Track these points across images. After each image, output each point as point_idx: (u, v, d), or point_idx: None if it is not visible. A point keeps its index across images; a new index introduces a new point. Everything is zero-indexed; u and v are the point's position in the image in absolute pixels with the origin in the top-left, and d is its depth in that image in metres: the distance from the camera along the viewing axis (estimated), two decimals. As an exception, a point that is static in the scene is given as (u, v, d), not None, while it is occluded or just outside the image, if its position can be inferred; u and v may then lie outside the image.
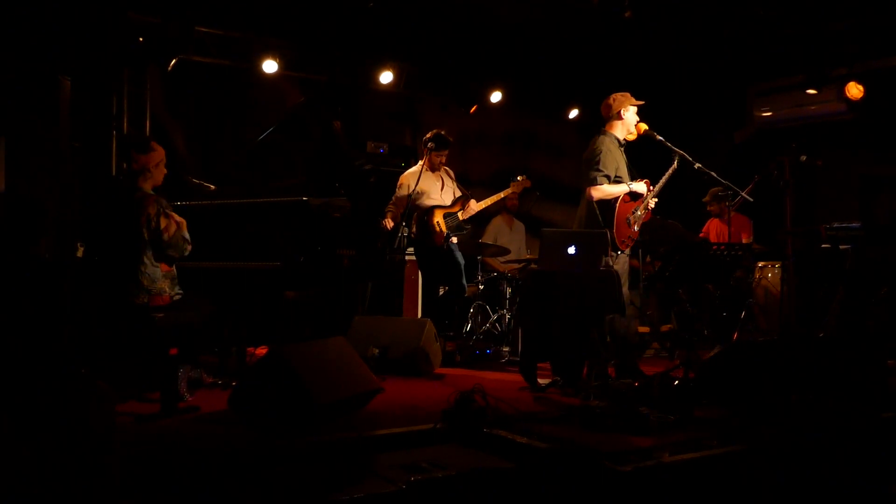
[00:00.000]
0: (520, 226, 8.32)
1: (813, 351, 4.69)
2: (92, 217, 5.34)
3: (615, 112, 5.46)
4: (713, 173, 5.49)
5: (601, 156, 5.26)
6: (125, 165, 4.49)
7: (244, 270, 4.97)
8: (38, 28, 5.66)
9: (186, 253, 4.41)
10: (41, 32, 5.67)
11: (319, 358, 4.05)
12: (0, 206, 5.33)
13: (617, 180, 5.31)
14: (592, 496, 3.14)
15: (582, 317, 4.93)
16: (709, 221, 7.92)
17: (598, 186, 5.24)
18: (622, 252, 5.30)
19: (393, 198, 6.68)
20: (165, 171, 4.53)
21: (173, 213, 4.40)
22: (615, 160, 5.32)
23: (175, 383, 4.21)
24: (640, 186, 5.31)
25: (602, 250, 5.00)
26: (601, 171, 5.24)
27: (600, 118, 5.60)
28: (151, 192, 4.42)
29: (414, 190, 6.52)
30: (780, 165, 6.65)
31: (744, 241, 7.65)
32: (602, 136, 5.42)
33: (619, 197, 5.23)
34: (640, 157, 5.68)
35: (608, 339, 5.05)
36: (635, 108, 5.47)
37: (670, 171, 5.40)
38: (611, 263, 5.19)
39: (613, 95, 5.50)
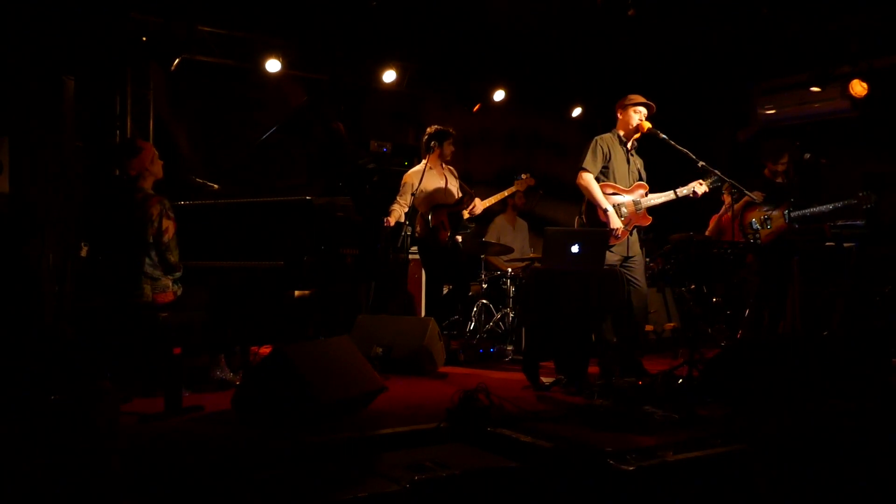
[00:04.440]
0: (523, 224, 8.31)
1: (817, 349, 4.68)
2: (95, 217, 5.35)
3: (617, 111, 5.65)
4: (717, 172, 5.50)
5: (587, 152, 5.49)
6: (118, 172, 4.49)
7: (247, 269, 4.97)
8: (42, 28, 5.65)
9: (177, 266, 4.40)
10: (44, 32, 5.66)
11: (323, 357, 4.05)
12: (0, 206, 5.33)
13: (604, 177, 5.48)
14: (596, 495, 3.14)
15: (585, 315, 4.94)
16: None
17: (582, 175, 5.44)
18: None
19: (397, 197, 6.68)
20: (161, 161, 4.51)
21: (173, 216, 4.40)
22: (604, 156, 5.48)
23: (179, 382, 4.22)
24: (615, 222, 5.33)
25: (604, 248, 5.08)
26: (582, 166, 5.45)
27: (603, 116, 5.64)
28: (153, 192, 4.42)
29: (418, 189, 6.52)
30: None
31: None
32: (605, 133, 5.58)
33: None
34: (644, 157, 5.73)
35: (613, 339, 5.07)
36: (635, 108, 5.52)
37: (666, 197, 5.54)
38: None
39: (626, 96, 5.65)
